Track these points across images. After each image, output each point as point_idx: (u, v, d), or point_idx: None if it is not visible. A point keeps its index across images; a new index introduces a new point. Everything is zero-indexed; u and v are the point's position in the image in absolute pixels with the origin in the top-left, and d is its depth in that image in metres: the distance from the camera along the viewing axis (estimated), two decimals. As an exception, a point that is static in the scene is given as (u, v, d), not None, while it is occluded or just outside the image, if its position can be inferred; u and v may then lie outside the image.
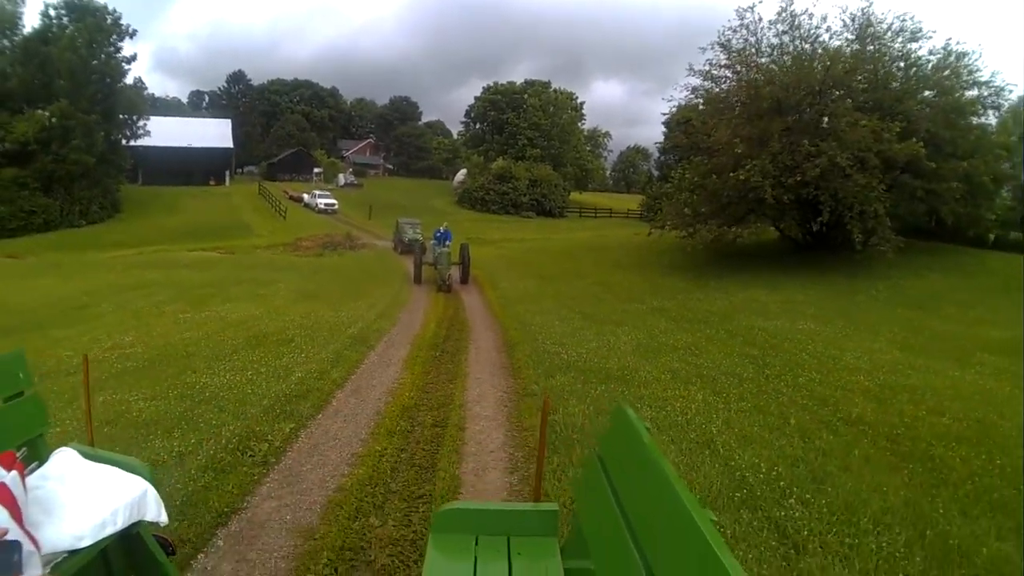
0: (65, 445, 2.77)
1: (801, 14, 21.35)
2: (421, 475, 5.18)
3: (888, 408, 6.96)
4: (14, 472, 2.19)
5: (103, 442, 4.20)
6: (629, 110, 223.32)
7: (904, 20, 21.07)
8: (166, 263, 28.37)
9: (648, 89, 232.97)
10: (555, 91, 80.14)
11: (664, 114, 29.19)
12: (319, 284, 19.55)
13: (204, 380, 7.47)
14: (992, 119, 23.10)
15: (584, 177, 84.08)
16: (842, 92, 19.58)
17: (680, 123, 31.19)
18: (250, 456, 5.35)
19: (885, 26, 21.17)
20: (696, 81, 24.18)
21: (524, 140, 73.59)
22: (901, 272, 18.14)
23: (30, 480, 2.34)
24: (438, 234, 21.66)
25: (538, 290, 18.36)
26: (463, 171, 76.42)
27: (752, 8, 21.83)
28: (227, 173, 77.66)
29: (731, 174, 19.63)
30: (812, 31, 21.60)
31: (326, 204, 57.40)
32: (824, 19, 21.85)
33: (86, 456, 2.72)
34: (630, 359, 9.36)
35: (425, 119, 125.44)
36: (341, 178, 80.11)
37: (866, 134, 17.54)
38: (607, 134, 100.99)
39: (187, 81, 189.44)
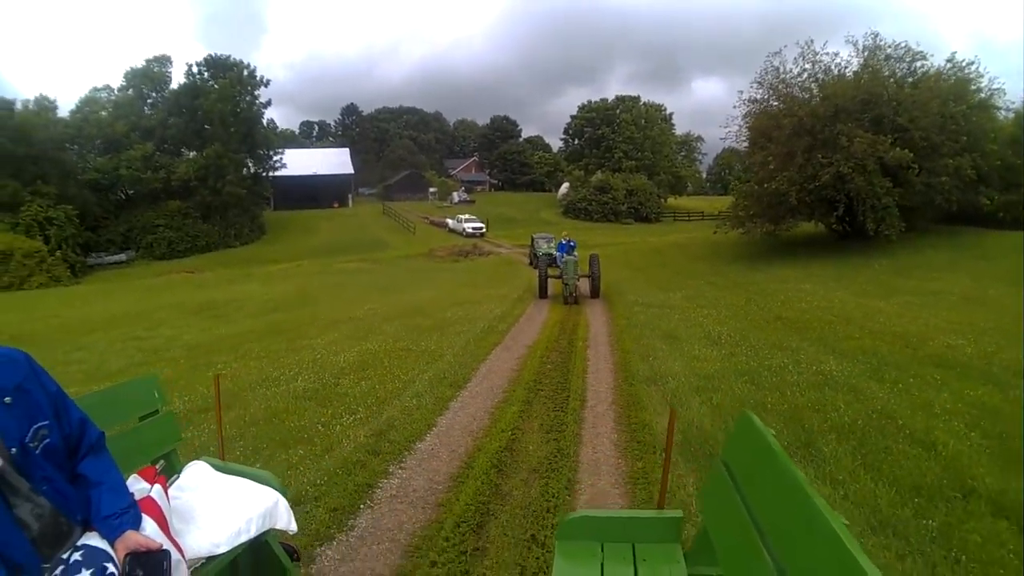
0: (197, 459, 3.07)
1: (820, 51, 27.61)
2: (567, 341, 12.03)
3: (807, 315, 13.35)
4: (158, 485, 2.37)
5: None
6: (730, 107, 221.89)
7: (905, 47, 27.11)
8: (331, 271, 36.26)
9: (748, 84, 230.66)
10: (645, 105, 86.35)
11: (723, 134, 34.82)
12: (468, 278, 26.80)
13: (446, 315, 14.79)
14: (1002, 116, 28.73)
15: (678, 183, 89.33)
16: (847, 113, 25.14)
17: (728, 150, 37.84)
18: (491, 333, 12.35)
19: (890, 50, 27.12)
20: (741, 110, 30.73)
21: (620, 153, 79.92)
22: (907, 251, 23.70)
23: (169, 491, 2.49)
24: (563, 245, 20.98)
25: (630, 276, 24.67)
26: (566, 184, 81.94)
27: (780, 51, 28.27)
28: (349, 196, 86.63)
29: (765, 185, 26.00)
30: (829, 63, 27.81)
31: (474, 228, 56.84)
32: (836, 54, 27.99)
33: (217, 469, 2.99)
34: (677, 302, 16.30)
35: (524, 132, 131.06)
36: (455, 196, 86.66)
37: (864, 146, 23.35)
38: (699, 138, 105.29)
39: (289, 108, 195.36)
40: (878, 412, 6.65)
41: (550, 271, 19.44)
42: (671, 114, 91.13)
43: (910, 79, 26.83)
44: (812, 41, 27.71)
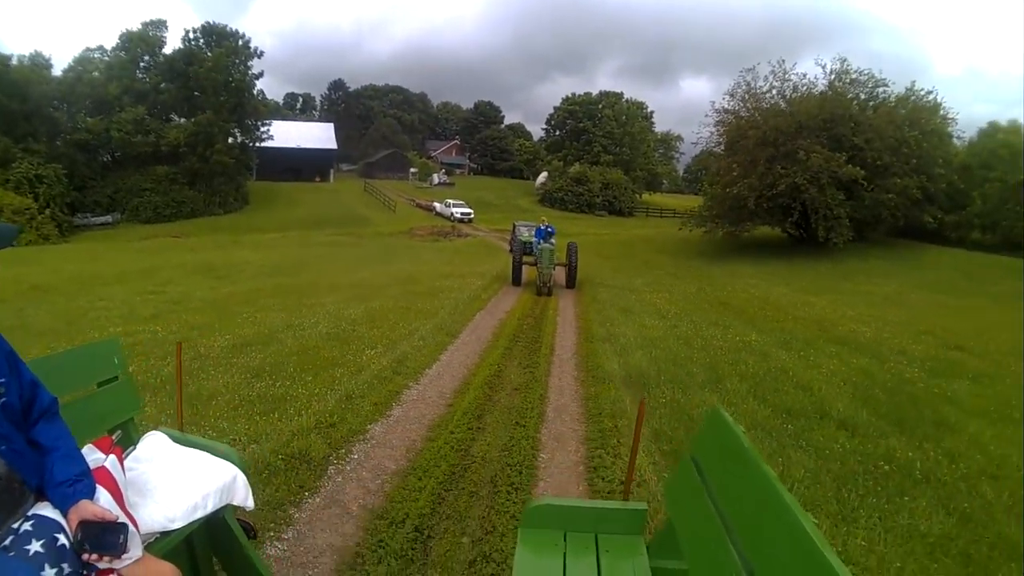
0: (154, 429, 2.91)
1: (790, 71, 30.16)
2: (540, 310, 14.03)
3: (746, 303, 15.51)
4: (112, 456, 2.27)
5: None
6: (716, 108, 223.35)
7: (869, 73, 29.56)
8: (317, 243, 38.00)
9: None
10: (627, 102, 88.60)
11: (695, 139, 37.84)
12: (450, 257, 28.76)
13: (435, 284, 16.73)
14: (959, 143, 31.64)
15: (654, 180, 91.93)
16: (809, 131, 27.58)
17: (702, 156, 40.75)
18: (476, 301, 14.30)
19: (855, 75, 29.58)
20: (712, 119, 33.27)
21: (599, 147, 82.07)
22: (853, 258, 26.14)
23: (125, 463, 2.39)
24: (540, 231, 19.29)
25: (598, 263, 26.58)
26: (544, 174, 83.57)
27: (753, 68, 30.74)
28: (331, 171, 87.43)
29: (728, 189, 28.30)
30: (797, 82, 30.43)
31: (462, 213, 56.23)
32: (805, 75, 30.63)
33: (175, 440, 2.85)
34: (637, 286, 18.39)
35: (507, 118, 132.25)
36: (435, 178, 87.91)
37: (820, 161, 25.70)
38: (679, 137, 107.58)
39: (274, 78, 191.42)
40: (777, 368, 8.83)
41: (525, 258, 18.83)
42: (652, 112, 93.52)
43: (871, 103, 29.27)
44: (784, 60, 30.28)
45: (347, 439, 5.59)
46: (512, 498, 4.67)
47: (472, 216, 56.39)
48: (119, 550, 1.90)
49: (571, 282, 18.46)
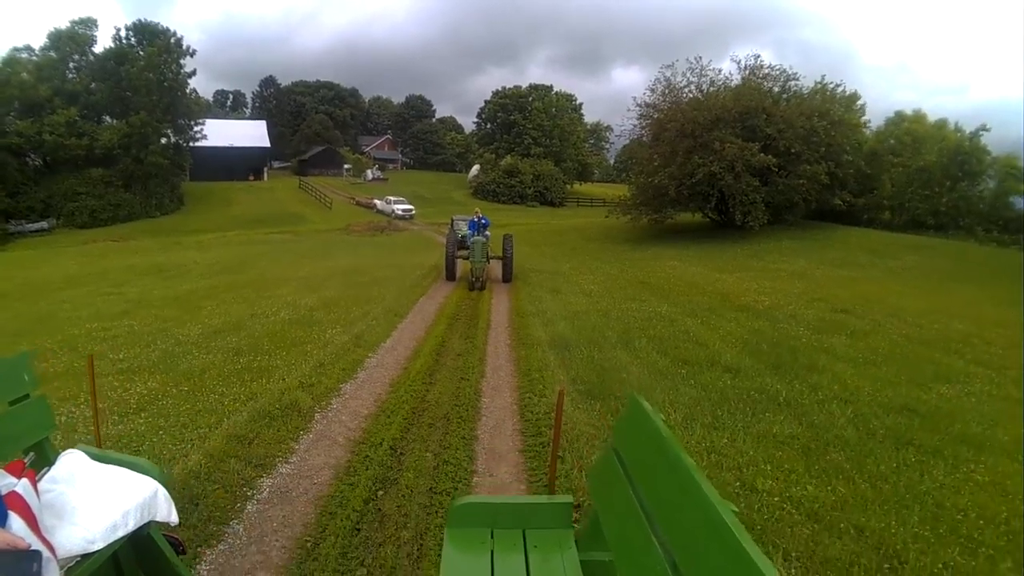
0: (72, 447, 2.83)
1: (706, 65, 32.19)
2: (476, 293, 15.34)
3: (662, 281, 17.10)
4: (25, 480, 2.19)
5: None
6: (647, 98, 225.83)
7: (780, 69, 31.75)
8: (256, 242, 38.41)
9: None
10: (557, 94, 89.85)
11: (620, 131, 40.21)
12: (388, 250, 29.85)
13: (376, 275, 17.90)
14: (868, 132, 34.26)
15: (584, 170, 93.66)
16: (724, 123, 29.51)
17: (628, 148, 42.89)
18: (416, 288, 15.54)
19: (767, 71, 31.72)
20: (635, 113, 35.23)
21: (529, 139, 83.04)
22: (768, 239, 28.06)
23: (40, 485, 2.34)
24: (473, 223, 18.39)
25: (530, 251, 27.70)
26: (476, 167, 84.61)
27: (672, 64, 32.78)
28: (265, 170, 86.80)
29: (650, 179, 30.11)
30: (713, 77, 32.60)
31: (403, 210, 55.62)
32: (720, 70, 32.83)
33: (94, 458, 2.75)
34: (564, 270, 19.96)
35: (440, 110, 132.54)
36: (369, 173, 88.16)
37: (735, 151, 27.64)
38: (609, 128, 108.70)
39: (203, 74, 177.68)
40: (681, 331, 10.41)
41: (459, 252, 18.08)
42: (581, 104, 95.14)
43: (784, 96, 31.41)
44: (700, 57, 32.37)
45: (325, 395, 6.88)
46: (462, 427, 6.04)
47: (414, 212, 56.00)
48: None
49: (507, 275, 17.83)
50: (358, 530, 4.14)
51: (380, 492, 4.69)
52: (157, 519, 2.59)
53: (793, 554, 3.90)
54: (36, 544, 1.96)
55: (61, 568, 2.05)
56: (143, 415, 6.14)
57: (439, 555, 2.76)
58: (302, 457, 5.28)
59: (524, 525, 2.69)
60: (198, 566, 3.70)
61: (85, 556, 2.24)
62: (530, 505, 2.84)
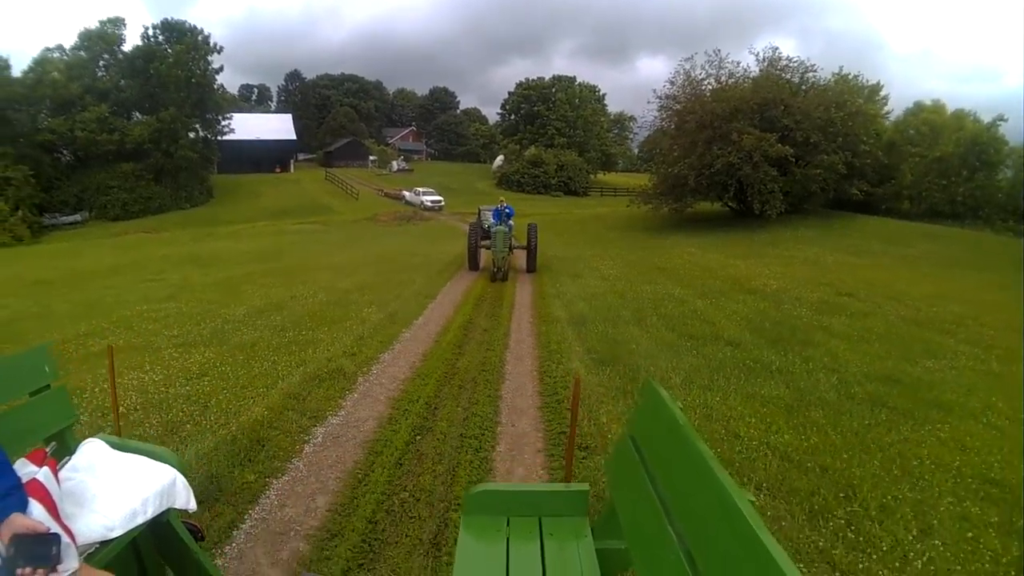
0: (93, 436, 2.87)
1: (724, 57, 32.88)
2: (501, 277, 16.17)
3: (679, 267, 17.82)
4: (46, 468, 2.25)
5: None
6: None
7: (798, 60, 32.30)
8: (287, 232, 39.49)
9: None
10: (580, 85, 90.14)
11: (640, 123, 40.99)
12: (415, 239, 30.78)
13: (406, 262, 18.78)
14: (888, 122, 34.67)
15: (608, 160, 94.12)
16: (743, 114, 30.12)
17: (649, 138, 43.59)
18: (444, 272, 16.41)
19: (785, 63, 32.21)
20: (655, 105, 35.96)
21: (553, 130, 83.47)
22: (786, 228, 28.53)
23: (61, 473, 2.39)
24: (496, 212, 18.18)
25: (553, 239, 28.33)
26: (501, 157, 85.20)
27: (691, 57, 33.42)
28: (291, 162, 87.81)
29: (670, 169, 30.81)
30: (732, 70, 33.15)
31: (432, 201, 54.81)
32: (739, 63, 33.38)
33: (114, 446, 2.80)
34: (585, 256, 20.72)
35: (463, 102, 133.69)
36: (394, 164, 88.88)
37: (753, 141, 28.21)
38: (632, 118, 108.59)
39: (228, 68, 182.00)
40: (690, 311, 11.20)
41: (482, 242, 18.11)
42: (604, 95, 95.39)
43: (802, 87, 31.92)
44: (719, 50, 32.83)
45: (366, 362, 7.78)
46: (488, 388, 6.90)
47: (443, 204, 55.08)
48: (52, 561, 1.87)
49: (531, 265, 17.69)
50: (400, 464, 4.98)
51: (418, 437, 5.53)
52: (176, 506, 2.62)
53: (764, 485, 4.69)
54: (56, 530, 2.00)
55: (81, 554, 2.09)
56: (206, 379, 7.04)
57: (455, 541, 2.80)
58: (349, 411, 6.14)
59: (540, 513, 2.69)
60: (267, 492, 4.50)
61: (104, 543, 2.27)
62: (546, 493, 2.82)
